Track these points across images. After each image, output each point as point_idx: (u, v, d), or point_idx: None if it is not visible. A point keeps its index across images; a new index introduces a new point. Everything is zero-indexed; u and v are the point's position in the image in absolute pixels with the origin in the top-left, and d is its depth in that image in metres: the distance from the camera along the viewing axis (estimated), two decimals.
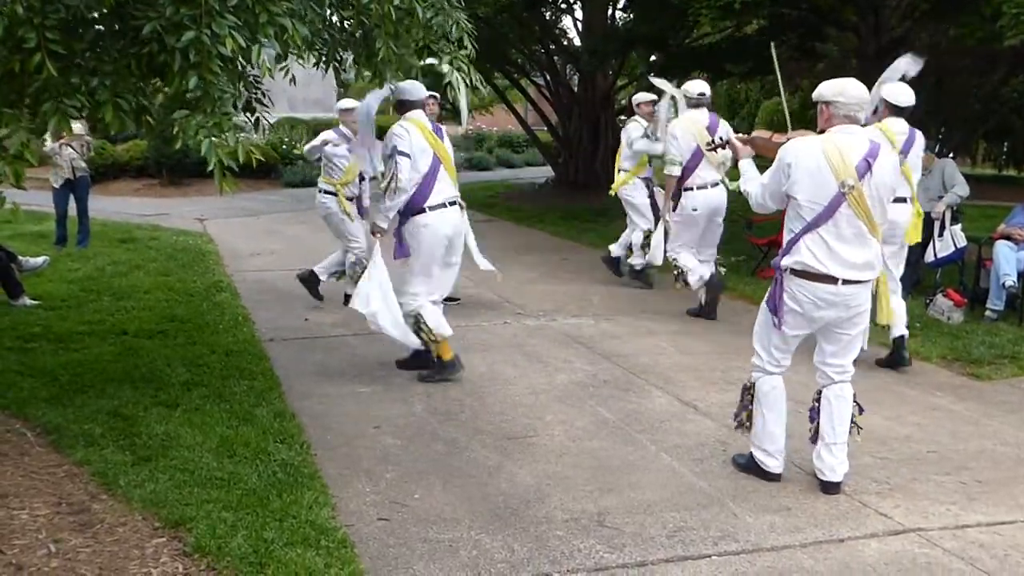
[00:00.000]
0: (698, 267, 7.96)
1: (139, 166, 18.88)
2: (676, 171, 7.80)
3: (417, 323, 5.87)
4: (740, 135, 5.30)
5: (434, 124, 5.99)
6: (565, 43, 20.07)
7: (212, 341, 6.66)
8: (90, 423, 4.88)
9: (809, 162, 4.14)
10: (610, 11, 18.05)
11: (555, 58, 19.17)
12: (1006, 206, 10.45)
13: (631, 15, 17.24)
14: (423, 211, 5.76)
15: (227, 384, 5.65)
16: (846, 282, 4.17)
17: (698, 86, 8.03)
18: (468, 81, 4.68)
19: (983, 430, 5.35)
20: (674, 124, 7.94)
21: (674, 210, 7.99)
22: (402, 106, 5.86)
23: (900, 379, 6.31)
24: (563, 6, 18.20)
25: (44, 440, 4.70)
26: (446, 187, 5.86)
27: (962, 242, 8.47)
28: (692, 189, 7.83)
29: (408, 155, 5.67)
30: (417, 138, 5.73)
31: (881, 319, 4.23)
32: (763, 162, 4.62)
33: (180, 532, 3.73)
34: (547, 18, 18.66)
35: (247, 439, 4.71)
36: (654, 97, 9.06)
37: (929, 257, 8.46)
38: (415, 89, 5.75)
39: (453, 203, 5.90)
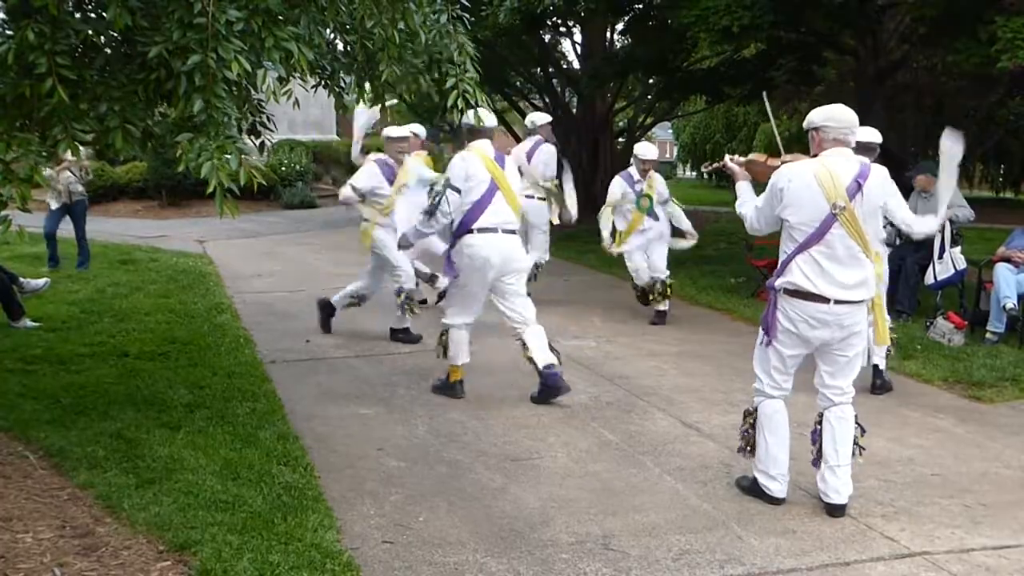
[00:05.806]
0: None
1: (138, 187, 18.90)
2: None
3: (441, 337, 6.22)
4: (737, 158, 5.32)
5: (498, 153, 6.08)
6: (564, 66, 20.20)
7: (214, 363, 6.65)
8: (93, 445, 4.86)
9: (801, 185, 4.22)
10: (609, 34, 18.18)
11: (554, 81, 19.28)
12: (1004, 228, 10.49)
13: (630, 39, 17.36)
14: (471, 232, 5.91)
15: (229, 406, 5.63)
16: (838, 302, 4.21)
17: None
18: (474, 103, 4.70)
19: (986, 453, 5.35)
20: None
21: None
22: (470, 135, 6.01)
23: (902, 401, 6.31)
24: (562, 30, 18.32)
25: (47, 463, 4.68)
26: (498, 212, 5.95)
27: (962, 264, 8.48)
28: None
29: (458, 189, 5.85)
30: (475, 166, 5.89)
31: (877, 341, 4.25)
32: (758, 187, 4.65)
33: (185, 556, 3.71)
34: (546, 41, 18.79)
35: (251, 461, 4.70)
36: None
37: (929, 279, 8.47)
38: (484, 119, 5.80)
39: (507, 230, 5.98)
